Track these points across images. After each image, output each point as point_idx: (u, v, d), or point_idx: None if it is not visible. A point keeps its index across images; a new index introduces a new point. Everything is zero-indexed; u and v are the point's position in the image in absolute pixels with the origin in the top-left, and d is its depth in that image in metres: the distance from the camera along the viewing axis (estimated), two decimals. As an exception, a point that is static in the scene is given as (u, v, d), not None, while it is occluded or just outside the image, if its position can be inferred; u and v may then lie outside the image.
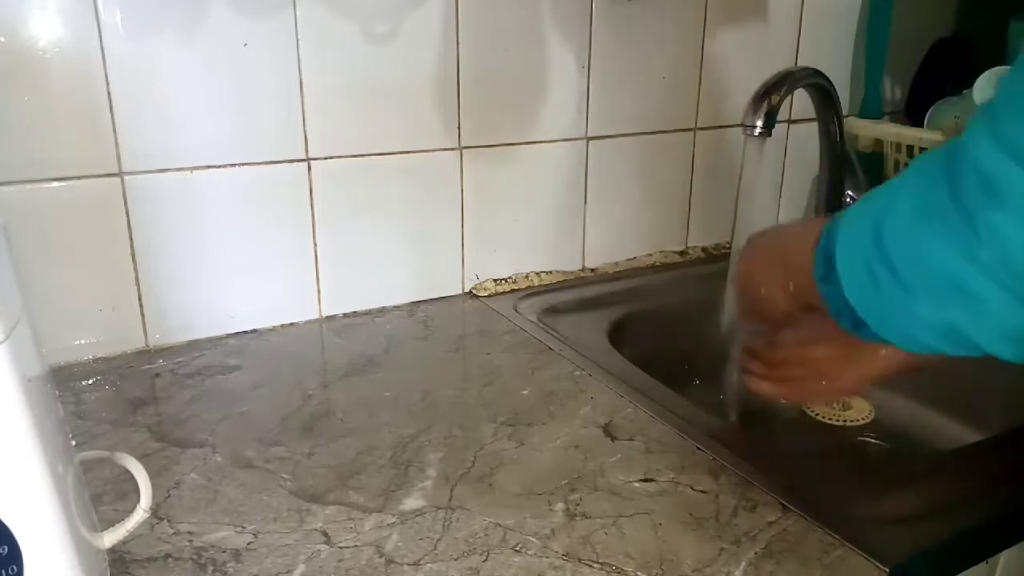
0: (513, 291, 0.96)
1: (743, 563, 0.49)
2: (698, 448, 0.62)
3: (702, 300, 0.94)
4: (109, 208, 0.75)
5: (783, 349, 0.62)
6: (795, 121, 1.13)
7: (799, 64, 1.09)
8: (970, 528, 0.54)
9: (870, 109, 1.15)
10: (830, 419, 0.93)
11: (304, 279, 0.86)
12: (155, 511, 0.54)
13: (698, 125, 1.06)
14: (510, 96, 0.91)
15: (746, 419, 0.95)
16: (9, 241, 0.39)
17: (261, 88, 0.78)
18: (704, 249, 1.11)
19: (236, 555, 0.50)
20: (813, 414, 0.94)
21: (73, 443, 0.46)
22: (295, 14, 0.78)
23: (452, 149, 0.90)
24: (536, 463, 0.60)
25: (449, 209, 0.92)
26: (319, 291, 0.87)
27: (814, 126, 0.98)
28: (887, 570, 0.48)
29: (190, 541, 0.51)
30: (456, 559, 0.50)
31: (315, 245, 0.85)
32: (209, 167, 0.78)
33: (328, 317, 0.88)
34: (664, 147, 1.04)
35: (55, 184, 0.73)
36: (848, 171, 1.03)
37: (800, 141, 1.13)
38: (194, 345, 0.81)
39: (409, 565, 0.49)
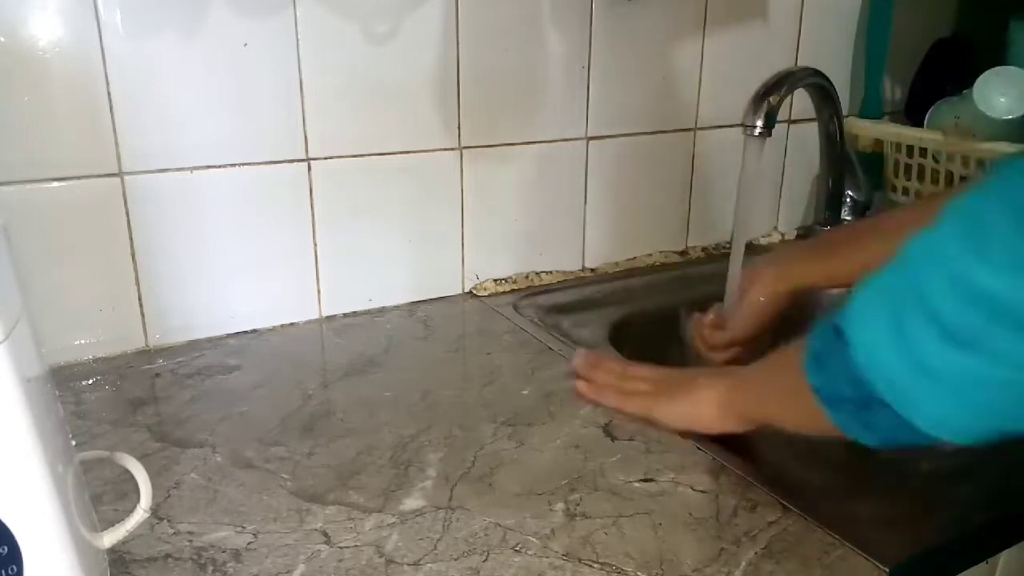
0: (513, 291, 0.96)
1: (743, 563, 0.49)
2: (698, 448, 0.62)
3: (702, 300, 0.94)
4: (109, 208, 0.75)
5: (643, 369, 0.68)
6: (795, 121, 1.13)
7: (799, 64, 1.09)
8: (970, 528, 0.54)
9: (870, 109, 1.15)
10: (830, 419, 0.92)
11: (304, 279, 0.86)
12: (155, 511, 0.54)
13: (698, 125, 1.06)
14: (510, 96, 0.91)
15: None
16: (9, 241, 0.39)
17: (261, 88, 0.78)
18: (704, 249, 1.11)
19: (236, 555, 0.50)
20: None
21: (73, 443, 0.46)
22: (295, 14, 0.78)
23: (452, 149, 0.90)
24: (536, 463, 0.60)
25: (449, 209, 0.92)
26: (319, 291, 0.87)
27: (814, 126, 0.98)
28: (887, 570, 0.48)
29: (190, 541, 0.51)
30: (456, 559, 0.50)
31: (315, 245, 0.85)
32: (209, 167, 0.78)
33: (328, 317, 0.88)
34: (664, 147, 1.04)
35: (55, 184, 0.73)
36: (848, 171, 1.03)
37: (800, 141, 1.13)
38: (194, 345, 0.81)
39: (409, 565, 0.49)
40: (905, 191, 1.10)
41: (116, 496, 0.56)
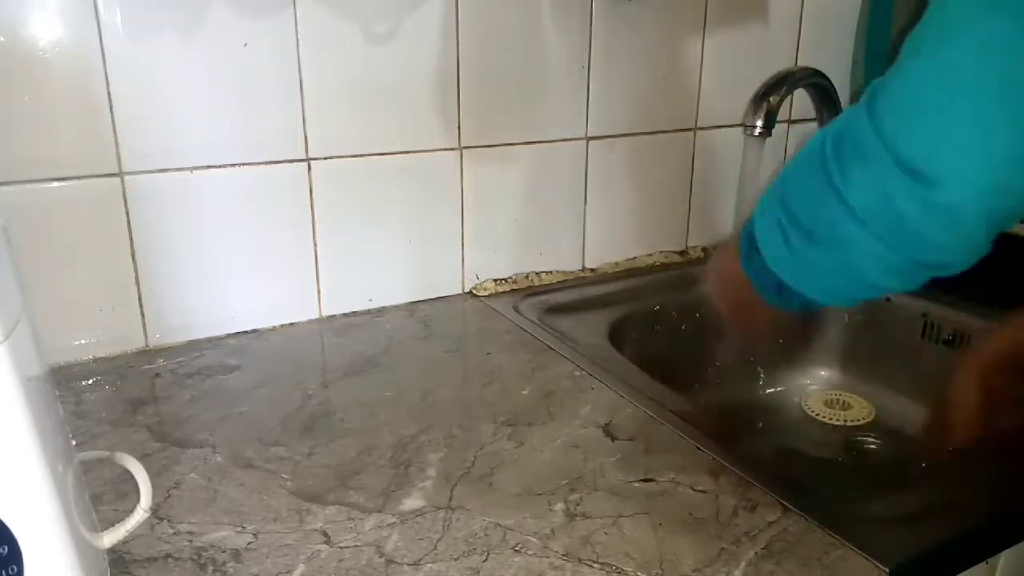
0: (513, 291, 0.96)
1: (743, 563, 0.49)
2: (698, 448, 0.62)
3: (702, 300, 0.94)
4: (109, 208, 0.75)
5: None
6: (795, 121, 1.13)
7: (799, 64, 1.09)
8: (970, 528, 0.54)
9: (870, 109, 1.15)
10: (830, 419, 0.93)
11: (304, 279, 0.86)
12: (155, 511, 0.54)
13: (698, 125, 1.06)
14: (510, 96, 0.91)
15: (746, 419, 0.95)
16: (9, 241, 0.39)
17: (261, 88, 0.78)
18: (704, 249, 1.11)
19: (236, 555, 0.50)
20: (813, 414, 0.94)
21: (73, 443, 0.46)
22: (295, 14, 0.78)
23: (452, 149, 0.90)
24: (536, 463, 0.60)
25: (449, 209, 0.92)
26: (319, 291, 0.87)
27: (814, 126, 0.99)
28: (887, 570, 0.48)
29: (190, 541, 0.51)
30: (456, 559, 0.50)
31: (315, 245, 0.85)
32: (209, 167, 0.78)
33: (328, 317, 0.88)
34: (664, 147, 1.04)
35: (55, 184, 0.73)
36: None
37: (800, 141, 1.13)
38: (194, 345, 0.81)
39: (409, 565, 0.49)
40: (905, 191, 1.09)
41: (116, 496, 0.56)
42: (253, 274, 0.83)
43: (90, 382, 0.73)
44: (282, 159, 0.81)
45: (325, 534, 0.52)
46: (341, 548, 0.51)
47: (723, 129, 1.07)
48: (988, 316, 0.88)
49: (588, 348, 0.81)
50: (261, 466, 0.60)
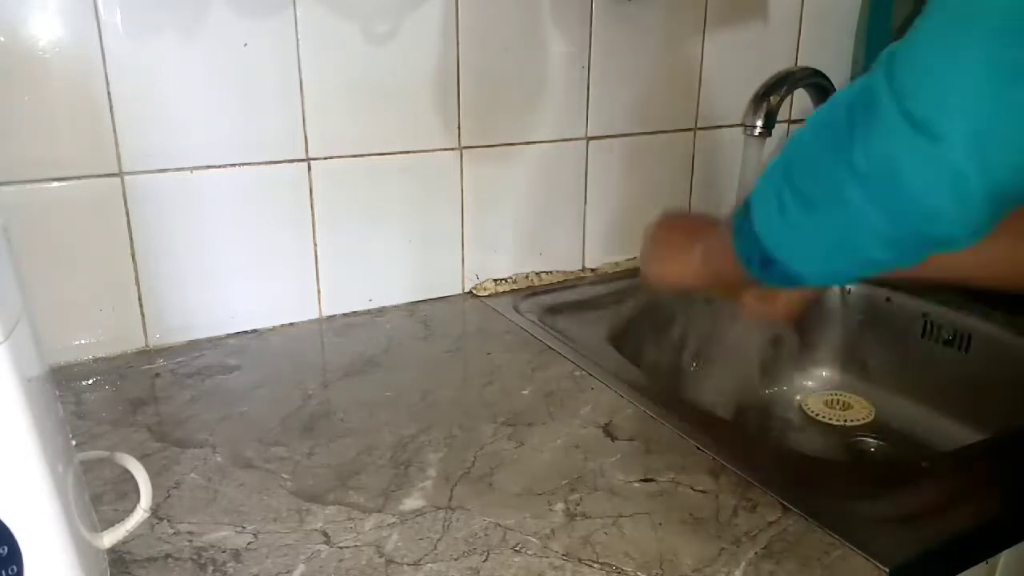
0: (513, 291, 0.96)
1: (743, 563, 0.49)
2: (698, 448, 0.62)
3: (702, 300, 0.94)
4: (109, 208, 0.75)
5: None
6: (795, 121, 1.13)
7: (799, 64, 1.09)
8: (970, 528, 0.54)
9: (870, 109, 1.15)
10: (830, 419, 0.93)
11: (304, 279, 0.86)
12: (155, 511, 0.54)
13: (698, 125, 1.06)
14: (510, 96, 0.91)
15: (746, 419, 0.95)
16: (9, 241, 0.39)
17: (261, 88, 0.78)
18: (704, 249, 1.11)
19: (236, 555, 0.50)
20: (813, 414, 0.94)
21: (73, 443, 0.46)
22: (295, 14, 0.78)
23: (452, 149, 0.90)
24: (536, 463, 0.60)
25: (449, 209, 0.92)
26: (319, 291, 0.87)
27: (814, 126, 0.98)
28: (887, 570, 0.48)
29: (190, 541, 0.51)
30: (456, 559, 0.50)
31: (315, 245, 0.85)
32: (209, 167, 0.78)
33: (328, 317, 0.88)
34: (664, 147, 1.04)
35: (55, 184, 0.73)
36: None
37: (800, 141, 1.13)
38: (194, 345, 0.81)
39: (409, 565, 0.49)
40: (905, 191, 1.09)
41: (116, 496, 0.56)
42: (253, 274, 0.83)
43: (90, 382, 0.73)
44: (282, 159, 0.81)
45: (325, 534, 0.52)
46: (341, 548, 0.51)
47: (723, 129, 1.07)
48: (989, 317, 0.88)
49: (588, 348, 0.81)
50: (261, 466, 0.60)
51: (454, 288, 0.95)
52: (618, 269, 1.05)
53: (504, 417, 0.67)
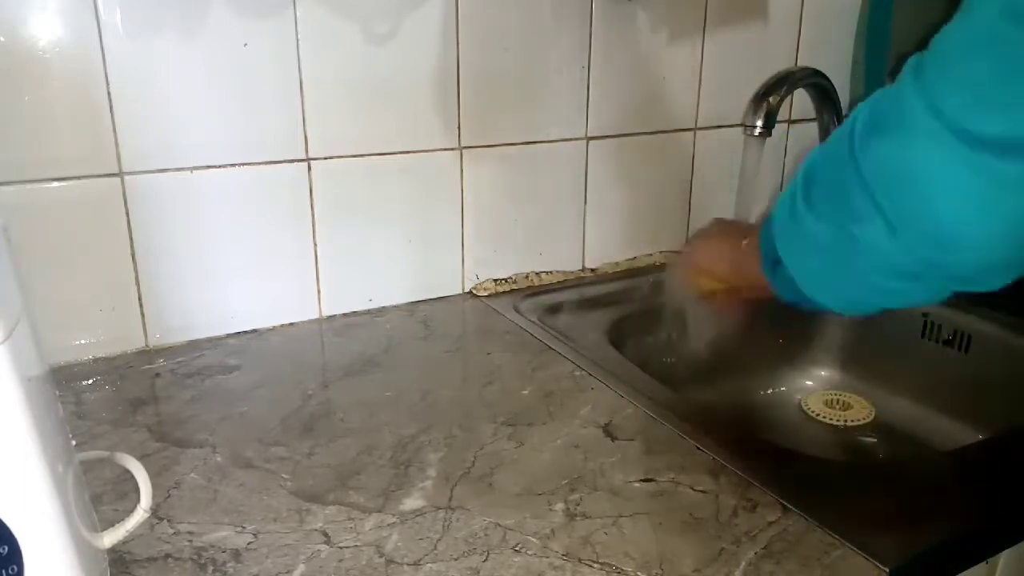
0: (513, 291, 0.96)
1: (743, 563, 0.49)
2: (698, 448, 0.62)
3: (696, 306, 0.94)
4: (109, 208, 0.75)
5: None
6: (795, 121, 1.13)
7: (799, 64, 1.09)
8: (970, 528, 0.54)
9: (870, 109, 1.15)
10: (830, 419, 0.93)
11: (304, 279, 0.86)
12: (155, 511, 0.54)
13: (698, 125, 1.06)
14: (510, 96, 0.91)
15: (746, 419, 0.95)
16: (9, 241, 0.39)
17: (261, 88, 0.78)
18: (704, 249, 1.11)
19: (236, 555, 0.50)
20: (813, 414, 0.94)
21: (73, 443, 0.46)
22: (295, 14, 0.78)
23: (452, 149, 0.90)
24: (536, 463, 0.60)
25: (449, 209, 0.92)
26: (319, 291, 0.87)
27: (814, 126, 0.98)
28: (887, 570, 0.48)
29: (190, 541, 0.51)
30: (456, 559, 0.50)
31: (315, 245, 0.85)
32: (209, 167, 0.78)
33: (328, 317, 0.88)
34: (664, 147, 1.04)
35: (55, 184, 0.73)
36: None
37: (800, 141, 1.13)
38: (194, 345, 0.81)
39: (409, 565, 0.49)
40: (905, 191, 1.09)
41: (116, 496, 0.56)
42: (253, 274, 0.83)
43: (90, 382, 0.73)
44: (282, 159, 0.81)
45: (325, 534, 0.52)
46: (341, 548, 0.51)
47: (723, 129, 1.07)
48: (989, 317, 0.88)
49: (588, 348, 0.81)
50: (261, 466, 0.60)
51: (454, 288, 0.95)
52: (618, 269, 1.05)
53: (504, 417, 0.67)
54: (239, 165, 0.79)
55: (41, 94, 0.70)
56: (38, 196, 0.72)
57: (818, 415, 0.93)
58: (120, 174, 0.75)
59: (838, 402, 0.95)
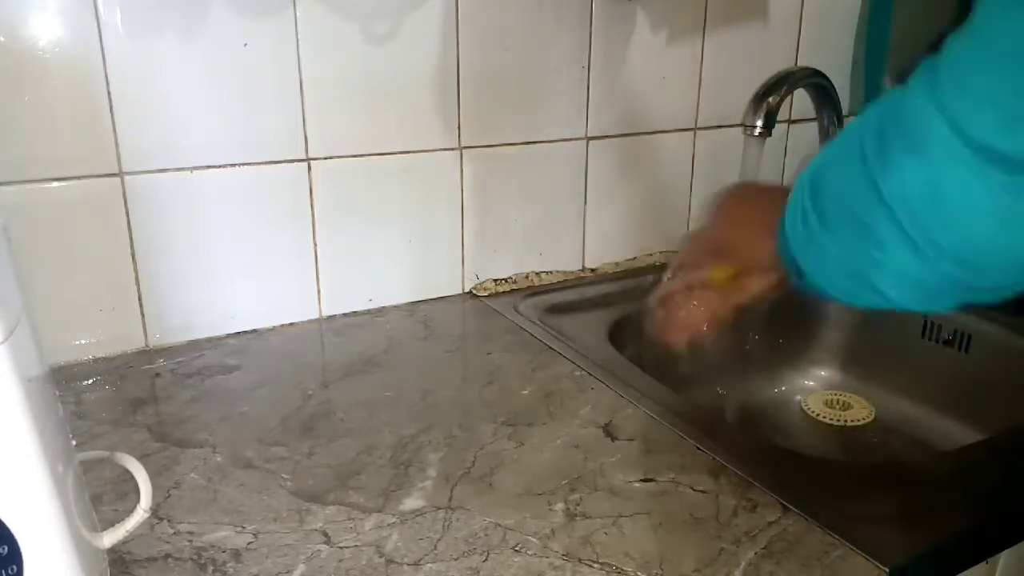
0: (513, 291, 0.96)
1: (743, 563, 0.49)
2: (698, 448, 0.62)
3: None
4: (109, 208, 0.75)
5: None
6: (795, 121, 1.13)
7: (799, 64, 1.09)
8: (970, 528, 0.54)
9: (870, 109, 1.15)
10: (830, 419, 0.93)
11: (304, 279, 0.86)
12: (155, 511, 0.54)
13: (698, 125, 1.06)
14: (510, 96, 0.91)
15: (746, 419, 0.95)
16: (9, 241, 0.39)
17: (261, 88, 0.78)
18: (704, 249, 1.11)
19: (236, 555, 0.50)
20: (813, 414, 0.94)
21: (73, 443, 0.46)
22: (295, 14, 0.78)
23: (452, 149, 0.90)
24: (536, 463, 0.60)
25: (449, 209, 0.92)
26: (319, 291, 0.87)
27: (814, 126, 0.98)
28: (887, 570, 0.48)
29: (190, 541, 0.51)
30: (456, 559, 0.50)
31: (315, 245, 0.85)
32: (209, 167, 0.78)
33: (328, 317, 0.88)
34: (664, 147, 1.04)
35: (55, 184, 0.73)
36: (848, 171, 1.03)
37: (800, 141, 1.13)
38: (194, 345, 0.81)
39: (409, 565, 0.49)
40: (905, 191, 1.09)
41: (116, 496, 0.56)
42: (253, 274, 0.83)
43: (90, 382, 0.73)
44: (282, 159, 0.81)
45: (325, 534, 0.52)
46: (341, 548, 0.51)
47: (723, 129, 1.07)
48: (989, 317, 0.88)
49: (588, 348, 0.81)
50: (261, 466, 0.60)
51: (454, 288, 0.95)
52: (618, 269, 1.05)
53: (504, 417, 0.67)
54: (239, 165, 0.79)
55: (41, 94, 0.70)
56: (38, 196, 0.72)
57: (818, 415, 0.93)
58: (120, 174, 0.75)
59: (838, 402, 0.95)
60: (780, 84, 0.83)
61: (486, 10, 0.87)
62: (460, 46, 0.87)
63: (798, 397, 0.98)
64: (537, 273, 1.00)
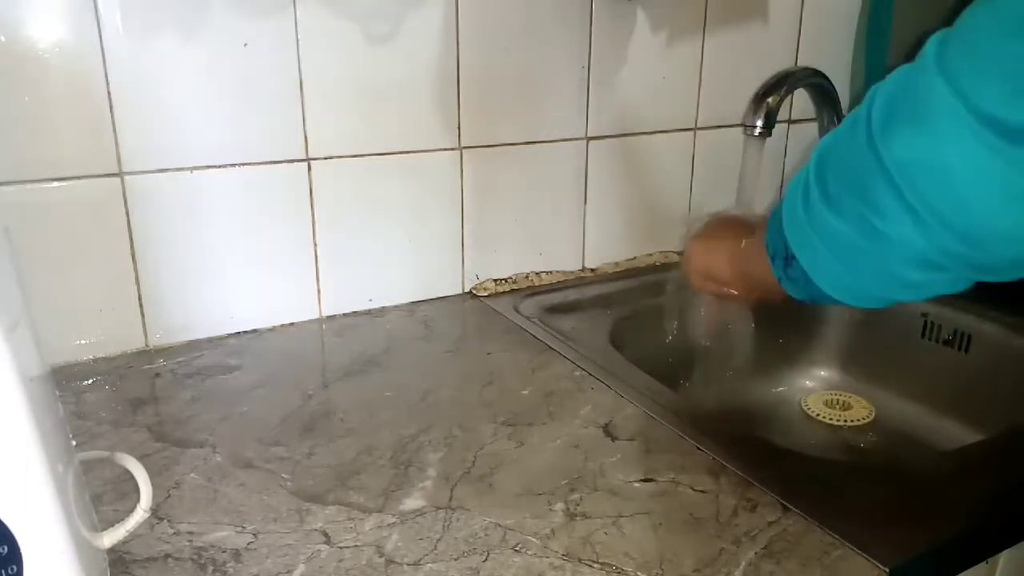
0: (513, 291, 0.96)
1: (743, 563, 0.49)
2: (698, 448, 0.62)
3: (702, 300, 0.94)
4: (109, 208, 0.75)
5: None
6: (795, 121, 1.13)
7: (799, 64, 1.09)
8: (970, 528, 0.54)
9: (870, 109, 1.15)
10: (830, 419, 0.93)
11: (304, 279, 0.86)
12: (155, 511, 0.54)
13: (698, 125, 1.06)
14: (510, 96, 0.91)
15: (746, 419, 0.95)
16: (10, 242, 0.39)
17: (261, 88, 0.78)
18: (704, 249, 1.11)
19: (236, 555, 0.50)
20: (813, 414, 0.94)
21: (73, 443, 0.46)
22: (295, 14, 0.78)
23: (452, 149, 0.90)
24: (536, 463, 0.60)
25: (449, 209, 0.92)
26: (319, 291, 0.87)
27: (814, 126, 0.98)
28: (887, 570, 0.48)
29: (190, 541, 0.51)
30: (456, 559, 0.50)
31: (315, 245, 0.85)
32: (209, 167, 0.78)
33: (328, 317, 0.88)
34: (664, 147, 1.04)
35: (55, 184, 0.73)
36: (848, 171, 1.03)
37: (800, 141, 1.13)
38: (194, 345, 0.81)
39: (409, 565, 0.49)
40: (905, 191, 1.09)
41: (116, 496, 0.56)
42: (253, 274, 0.83)
43: (90, 382, 0.73)
44: (282, 159, 0.81)
45: (325, 534, 0.52)
46: (341, 548, 0.51)
47: (723, 129, 1.07)
48: (989, 317, 0.88)
49: (588, 348, 0.81)
50: (261, 466, 0.60)
51: (454, 288, 0.95)
52: (618, 269, 1.05)
53: (504, 417, 0.67)
54: (239, 165, 0.79)
55: (41, 94, 0.70)
56: (38, 196, 0.72)
57: (818, 415, 0.93)
58: (120, 174, 0.75)
59: (838, 402, 0.95)
60: (780, 84, 0.83)
61: (486, 10, 0.87)
62: (460, 46, 0.87)
63: (798, 397, 0.98)
64: (537, 273, 1.00)
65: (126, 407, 0.69)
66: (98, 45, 0.71)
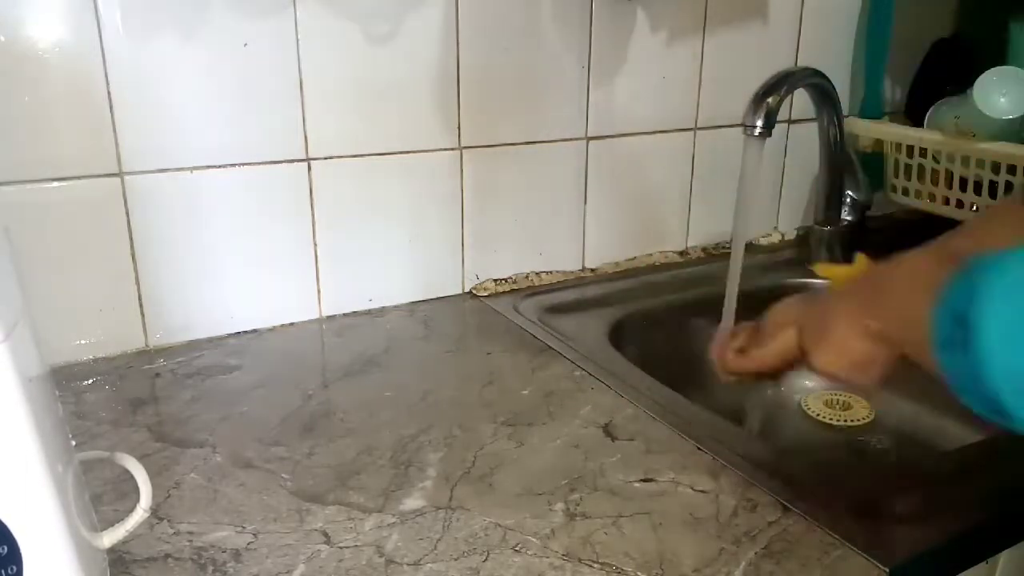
0: (513, 291, 0.96)
1: (743, 563, 0.49)
2: (698, 448, 0.62)
3: (702, 300, 0.94)
4: (109, 208, 0.75)
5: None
6: (795, 121, 1.13)
7: (799, 64, 1.09)
8: (970, 528, 0.54)
9: (870, 109, 1.15)
10: (830, 419, 0.93)
11: (304, 279, 0.86)
12: (155, 511, 0.54)
13: (698, 125, 1.06)
14: (510, 96, 0.91)
15: (746, 419, 0.95)
16: (10, 242, 0.39)
17: (261, 88, 0.78)
18: (704, 249, 1.11)
19: (236, 555, 0.50)
20: (813, 414, 0.94)
21: (73, 443, 0.46)
22: (295, 14, 0.78)
23: (452, 149, 0.90)
24: (536, 463, 0.60)
25: (449, 209, 0.92)
26: (319, 291, 0.87)
27: (814, 126, 0.98)
28: (887, 570, 0.48)
29: (190, 541, 0.51)
30: (456, 559, 0.50)
31: (315, 245, 0.85)
32: (209, 167, 0.78)
33: (328, 317, 0.88)
34: (664, 147, 1.04)
35: (55, 184, 0.73)
36: (848, 171, 1.03)
37: (800, 141, 1.13)
38: (194, 345, 0.81)
39: (409, 565, 0.49)
40: (905, 191, 1.10)
41: (116, 496, 0.56)
42: (253, 274, 0.83)
43: (90, 382, 0.73)
44: (282, 159, 0.81)
45: (325, 534, 0.52)
46: (341, 548, 0.51)
47: (723, 129, 1.07)
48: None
49: (588, 348, 0.81)
50: (261, 466, 0.60)
51: (454, 288, 0.95)
52: (618, 269, 1.05)
53: (504, 417, 0.67)
54: (239, 165, 0.79)
55: (41, 94, 0.70)
56: (38, 196, 0.72)
57: (818, 415, 0.93)
58: (120, 174, 0.75)
59: (838, 402, 0.95)
60: (780, 84, 0.83)
61: (486, 10, 0.87)
62: (460, 46, 0.87)
63: (798, 397, 0.98)
64: (537, 273, 1.00)
65: (126, 407, 0.69)
66: (98, 45, 0.71)
